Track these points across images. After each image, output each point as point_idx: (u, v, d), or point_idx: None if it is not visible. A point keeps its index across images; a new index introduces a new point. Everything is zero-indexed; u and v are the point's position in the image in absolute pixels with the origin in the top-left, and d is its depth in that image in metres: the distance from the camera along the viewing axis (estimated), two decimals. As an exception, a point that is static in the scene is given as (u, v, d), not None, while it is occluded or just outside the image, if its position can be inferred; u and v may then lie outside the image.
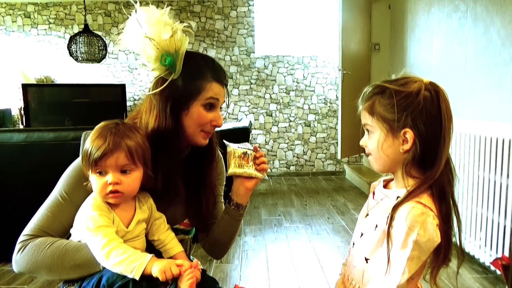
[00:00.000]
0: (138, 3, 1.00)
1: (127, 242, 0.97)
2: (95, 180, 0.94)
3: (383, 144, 0.87)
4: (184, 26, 1.02)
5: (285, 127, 4.98)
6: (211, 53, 4.86)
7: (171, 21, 0.99)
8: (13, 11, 4.86)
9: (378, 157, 0.89)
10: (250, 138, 3.12)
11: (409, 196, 0.82)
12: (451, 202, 0.85)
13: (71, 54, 4.12)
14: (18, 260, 0.97)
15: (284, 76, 4.93)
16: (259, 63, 4.91)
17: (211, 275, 1.12)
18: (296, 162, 5.01)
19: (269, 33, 4.95)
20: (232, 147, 1.14)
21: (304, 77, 4.93)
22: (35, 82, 4.77)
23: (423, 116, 0.83)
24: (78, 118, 4.50)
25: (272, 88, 4.94)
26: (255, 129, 4.95)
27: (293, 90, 4.94)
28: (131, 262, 0.86)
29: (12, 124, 4.80)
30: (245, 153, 1.13)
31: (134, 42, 0.99)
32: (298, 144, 4.99)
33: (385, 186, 0.95)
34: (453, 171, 0.86)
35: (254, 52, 4.90)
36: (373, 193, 0.98)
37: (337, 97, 4.86)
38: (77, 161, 1.04)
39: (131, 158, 0.94)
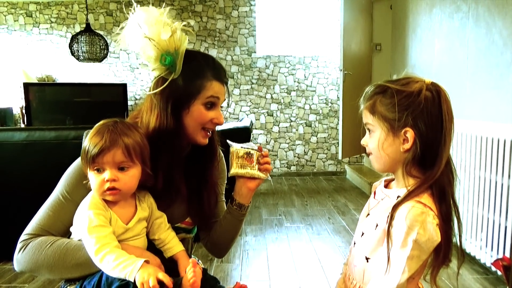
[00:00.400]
0: (137, 3, 1.00)
1: (128, 241, 0.97)
2: (93, 178, 0.94)
3: (384, 143, 0.87)
4: (183, 25, 1.02)
5: (286, 127, 4.98)
6: (213, 52, 4.86)
7: (170, 20, 0.99)
8: (15, 10, 4.87)
9: (378, 156, 0.89)
10: (251, 138, 3.12)
11: (409, 195, 0.82)
12: (452, 202, 0.85)
13: (72, 53, 4.13)
14: (19, 259, 0.97)
15: (285, 76, 4.93)
16: (260, 63, 4.91)
17: (212, 275, 1.12)
18: (297, 162, 5.01)
19: (270, 33, 4.95)
20: (235, 147, 1.14)
21: (305, 77, 4.93)
22: (37, 81, 4.78)
23: (424, 116, 0.83)
24: (79, 117, 4.51)
25: (273, 88, 4.94)
26: (256, 129, 4.96)
27: (294, 90, 4.94)
28: (123, 268, 0.86)
29: (13, 123, 4.81)
30: (248, 153, 1.13)
31: (134, 42, 0.99)
32: (299, 144, 4.99)
33: (386, 186, 0.96)
34: (454, 172, 0.87)
35: (255, 52, 4.90)
36: (374, 193, 0.98)
37: (338, 97, 4.86)
38: (78, 160, 1.04)
39: (128, 155, 0.94)
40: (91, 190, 0.97)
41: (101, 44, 4.17)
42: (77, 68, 4.89)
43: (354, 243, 0.97)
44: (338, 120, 4.78)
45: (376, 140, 0.88)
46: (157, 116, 1.02)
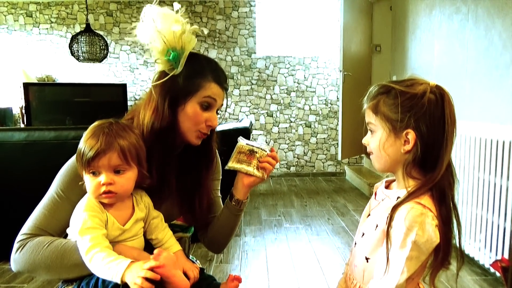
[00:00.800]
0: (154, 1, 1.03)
1: (125, 242, 0.97)
2: (88, 181, 0.94)
3: (385, 143, 0.87)
4: (194, 28, 1.05)
5: (286, 127, 4.98)
6: (213, 53, 4.87)
7: (182, 19, 1.02)
8: (15, 10, 4.87)
9: (379, 156, 0.90)
10: (250, 139, 3.12)
11: (409, 197, 0.83)
12: (451, 205, 0.85)
13: (72, 54, 4.12)
14: (17, 259, 0.97)
15: (285, 77, 4.93)
16: (260, 63, 4.91)
17: (209, 274, 1.12)
18: (296, 163, 5.01)
19: (270, 34, 4.95)
20: (241, 142, 1.15)
21: (305, 78, 4.93)
22: (37, 81, 4.78)
23: (426, 118, 0.83)
24: (79, 117, 4.50)
25: (273, 89, 4.94)
26: (255, 129, 4.96)
27: (294, 91, 4.95)
28: (109, 269, 0.84)
29: (13, 123, 4.80)
30: (251, 151, 1.13)
31: (145, 34, 1.02)
32: (298, 144, 4.99)
33: (387, 187, 0.96)
34: (454, 174, 0.87)
35: (255, 53, 4.90)
36: (375, 194, 0.98)
37: (338, 98, 4.86)
38: (72, 159, 1.04)
39: (124, 158, 0.93)
40: (85, 190, 0.97)
41: (101, 44, 4.17)
42: (77, 68, 4.89)
43: (355, 243, 0.97)
44: (338, 121, 4.78)
45: (378, 140, 0.89)
46: (154, 109, 1.04)
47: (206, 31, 1.11)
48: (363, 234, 0.94)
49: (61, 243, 0.96)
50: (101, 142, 0.91)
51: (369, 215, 0.95)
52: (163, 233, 1.05)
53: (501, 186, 1.97)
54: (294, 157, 5.00)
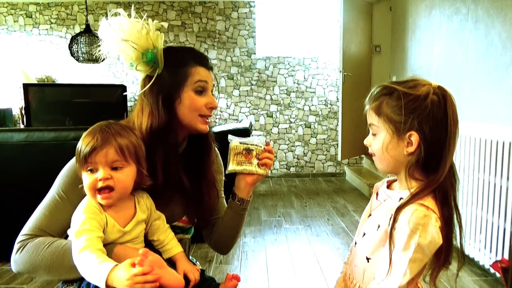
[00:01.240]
0: (135, 4, 1.03)
1: (126, 244, 0.96)
2: (86, 178, 0.93)
3: (388, 145, 0.87)
4: (156, 24, 1.04)
5: (286, 128, 4.98)
6: (212, 54, 4.87)
7: (141, 20, 1.02)
8: (15, 11, 4.87)
9: (382, 158, 0.89)
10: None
11: (412, 198, 0.83)
12: (454, 206, 0.85)
13: (72, 54, 4.12)
14: (17, 260, 0.97)
15: (285, 78, 4.93)
16: (260, 64, 4.91)
17: (210, 275, 1.12)
18: (296, 164, 5.01)
19: (270, 35, 4.95)
20: (234, 142, 1.13)
21: (304, 78, 4.93)
22: (36, 82, 4.78)
23: (429, 120, 0.83)
24: (79, 118, 4.50)
25: (273, 89, 4.94)
26: (255, 130, 4.96)
27: (293, 92, 4.95)
28: (96, 270, 0.81)
29: (12, 123, 4.80)
30: (247, 149, 1.11)
31: (112, 47, 1.02)
32: (298, 145, 4.99)
33: (388, 187, 0.96)
34: (456, 176, 0.87)
35: (255, 53, 4.90)
36: (377, 194, 0.98)
37: (337, 98, 4.86)
38: (73, 160, 1.04)
39: (122, 153, 0.92)
40: (84, 191, 0.96)
41: (100, 45, 4.17)
42: (77, 69, 4.89)
43: (355, 243, 0.97)
44: (338, 121, 4.78)
45: (381, 142, 0.88)
46: (149, 114, 1.03)
47: (165, 25, 1.10)
48: (364, 234, 0.93)
49: (62, 244, 0.95)
50: (97, 138, 0.91)
51: (370, 215, 0.95)
52: (165, 235, 1.05)
53: (501, 186, 1.97)
54: (294, 157, 5.00)
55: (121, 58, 1.03)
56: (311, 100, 4.95)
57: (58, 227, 1.00)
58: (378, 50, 4.64)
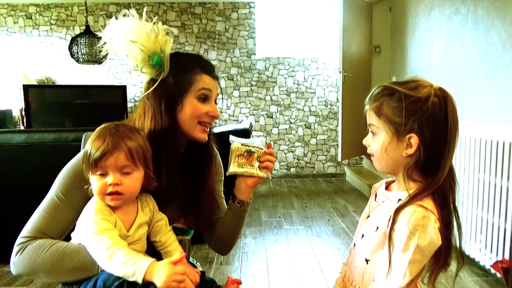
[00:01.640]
0: (134, 6, 1.02)
1: (128, 246, 0.96)
2: (95, 182, 0.93)
3: (387, 146, 0.87)
4: (165, 28, 1.04)
5: (286, 129, 4.98)
6: (212, 54, 4.87)
7: (150, 23, 1.02)
8: (15, 12, 4.87)
9: (381, 159, 0.89)
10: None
11: (411, 200, 0.82)
12: (453, 208, 0.85)
13: (72, 55, 4.12)
14: (17, 262, 0.97)
15: (285, 78, 4.93)
16: (259, 65, 4.91)
17: (210, 277, 1.12)
18: (296, 164, 5.01)
19: (270, 35, 4.95)
20: (236, 144, 1.12)
21: (304, 79, 4.93)
22: (36, 83, 4.78)
23: (430, 122, 0.83)
24: (79, 119, 4.50)
25: (273, 90, 4.94)
26: (255, 130, 4.96)
27: (293, 92, 4.95)
28: (132, 265, 0.84)
29: (13, 125, 4.80)
30: (249, 151, 1.11)
31: (120, 48, 1.01)
32: (298, 146, 4.99)
33: (386, 188, 0.95)
34: (455, 178, 0.87)
35: (255, 54, 4.90)
36: (375, 195, 0.98)
37: (337, 99, 4.86)
38: (72, 162, 1.04)
39: (131, 158, 0.93)
40: (87, 192, 0.96)
41: (100, 46, 4.16)
42: (77, 70, 4.89)
43: (354, 245, 0.97)
44: (338, 122, 4.78)
45: (380, 142, 0.88)
46: (151, 117, 1.03)
47: (175, 31, 1.10)
48: (363, 235, 0.93)
49: (62, 246, 0.95)
50: (107, 142, 0.91)
51: (368, 216, 0.95)
52: (167, 236, 1.05)
53: (501, 187, 1.96)
54: (294, 158, 5.00)
55: (127, 59, 1.02)
56: (311, 101, 4.95)
57: (58, 229, 1.00)
58: (378, 50, 4.64)
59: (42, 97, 4.60)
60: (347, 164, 5.00)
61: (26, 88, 4.45)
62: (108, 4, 4.84)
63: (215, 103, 1.11)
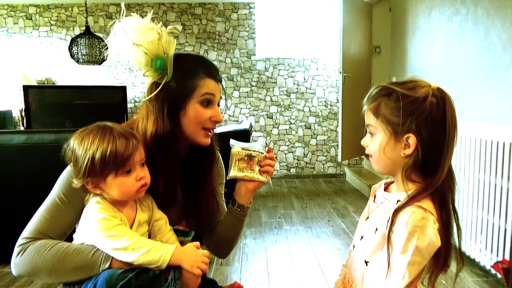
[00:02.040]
0: (134, 6, 1.01)
1: None
2: (123, 181, 0.93)
3: (385, 147, 0.86)
4: (169, 29, 1.03)
5: (286, 129, 4.98)
6: (212, 55, 4.87)
7: (154, 25, 1.01)
8: (15, 13, 4.87)
9: (378, 159, 0.89)
10: (250, 141, 3.12)
11: (410, 201, 0.82)
12: (452, 209, 0.85)
13: (72, 56, 4.12)
14: (18, 263, 0.97)
15: (285, 79, 4.93)
16: (259, 65, 4.91)
17: (211, 277, 1.12)
18: (296, 165, 5.00)
19: (270, 36, 4.95)
20: (236, 148, 1.12)
21: (304, 79, 4.93)
22: (36, 84, 4.78)
23: (427, 122, 0.82)
24: (79, 120, 4.49)
25: (273, 91, 4.94)
26: (255, 131, 4.96)
27: (293, 93, 4.95)
28: (157, 251, 0.89)
29: (12, 125, 4.80)
30: (249, 156, 1.11)
31: (123, 50, 1.01)
32: (298, 146, 4.99)
33: (385, 189, 0.95)
34: (454, 179, 0.86)
35: (255, 55, 4.90)
36: (374, 196, 0.97)
37: (337, 99, 4.86)
38: None
39: (144, 149, 0.98)
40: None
41: (100, 46, 4.17)
42: (77, 71, 4.89)
43: (354, 246, 0.97)
44: (338, 122, 4.78)
45: (378, 143, 0.88)
46: (154, 121, 1.03)
47: (179, 28, 1.08)
48: (362, 237, 0.93)
49: (63, 246, 0.95)
50: (131, 139, 0.94)
51: (367, 217, 0.94)
52: (167, 236, 1.05)
53: (501, 187, 1.96)
54: (294, 158, 5.00)
55: (130, 62, 1.02)
56: (311, 101, 4.95)
57: (59, 230, 1.00)
58: (378, 51, 4.64)
59: (42, 97, 4.60)
60: (347, 165, 5.00)
61: (26, 88, 4.45)
62: (108, 5, 4.84)
63: (218, 105, 1.10)
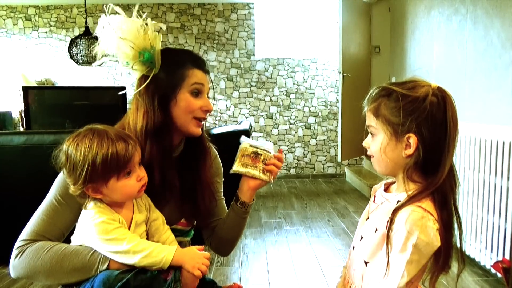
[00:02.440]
0: (130, 6, 1.02)
1: None
2: (125, 182, 0.94)
3: (386, 147, 0.86)
4: (154, 23, 1.05)
5: (286, 129, 4.98)
6: (212, 55, 4.87)
7: (140, 20, 1.02)
8: (14, 14, 4.87)
9: (380, 160, 0.89)
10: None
11: (410, 200, 0.82)
12: (453, 209, 0.84)
13: (71, 57, 4.12)
14: (16, 265, 0.96)
15: (285, 79, 4.93)
16: (259, 65, 4.91)
17: (211, 278, 1.12)
18: (296, 165, 5.00)
19: (269, 36, 4.95)
20: (244, 144, 1.13)
21: (304, 79, 4.93)
22: (36, 85, 4.78)
23: (428, 122, 0.82)
24: (79, 120, 4.43)
25: (273, 91, 4.94)
26: (255, 131, 4.96)
27: (293, 93, 4.95)
28: (158, 253, 0.89)
29: (12, 126, 4.80)
30: (256, 153, 1.11)
31: (110, 45, 1.02)
32: (298, 146, 4.99)
33: (386, 189, 0.95)
34: (456, 178, 0.85)
35: (254, 55, 4.90)
36: (374, 197, 0.97)
37: (337, 99, 4.86)
38: None
39: (140, 150, 0.99)
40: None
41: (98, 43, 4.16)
42: (76, 72, 4.89)
43: (354, 247, 0.96)
44: (338, 122, 4.78)
45: (379, 143, 0.87)
46: (144, 114, 1.03)
47: (163, 26, 1.10)
48: (362, 237, 0.93)
49: (61, 248, 0.95)
50: (129, 141, 0.94)
51: (368, 218, 0.94)
52: (165, 236, 1.04)
53: (501, 186, 1.96)
54: (294, 159, 4.99)
55: (118, 56, 1.03)
56: (311, 101, 4.95)
57: (56, 232, 1.00)
58: (378, 51, 4.64)
59: (42, 98, 4.59)
60: (347, 165, 5.00)
61: (26, 89, 4.44)
62: (108, 6, 4.83)
63: (207, 96, 1.11)
